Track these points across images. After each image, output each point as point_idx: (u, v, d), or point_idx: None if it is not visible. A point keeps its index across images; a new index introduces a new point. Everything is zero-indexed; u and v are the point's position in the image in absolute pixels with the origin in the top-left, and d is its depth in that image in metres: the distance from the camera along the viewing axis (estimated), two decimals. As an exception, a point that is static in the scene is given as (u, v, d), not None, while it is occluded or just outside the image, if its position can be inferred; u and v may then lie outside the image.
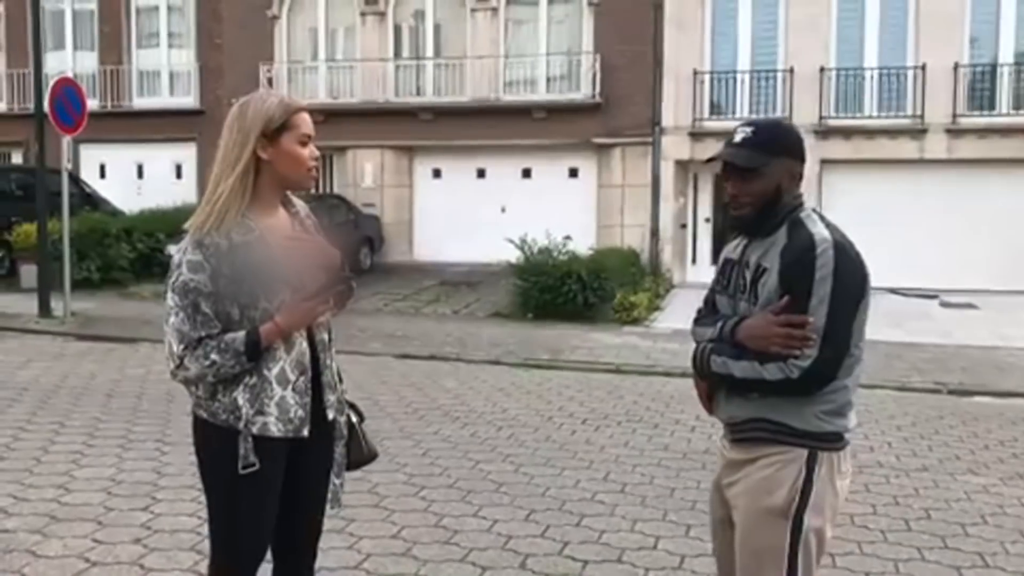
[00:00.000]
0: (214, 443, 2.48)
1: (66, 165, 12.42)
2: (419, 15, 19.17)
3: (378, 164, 19.06)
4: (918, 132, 16.47)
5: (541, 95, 18.29)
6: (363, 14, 19.04)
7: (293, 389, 2.46)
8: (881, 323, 12.79)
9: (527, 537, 4.56)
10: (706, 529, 4.71)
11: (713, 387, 2.52)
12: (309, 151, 2.49)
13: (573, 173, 18.42)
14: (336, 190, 19.10)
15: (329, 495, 2.65)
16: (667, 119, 17.35)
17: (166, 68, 20.53)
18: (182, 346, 2.41)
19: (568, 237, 13.79)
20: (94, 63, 20.40)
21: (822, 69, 16.63)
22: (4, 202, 15.33)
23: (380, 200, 19.01)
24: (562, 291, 12.53)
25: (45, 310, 11.96)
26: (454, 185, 18.83)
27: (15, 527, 4.51)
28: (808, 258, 2.30)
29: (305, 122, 2.48)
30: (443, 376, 8.96)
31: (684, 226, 17.91)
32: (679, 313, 13.55)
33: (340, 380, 2.68)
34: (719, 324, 2.47)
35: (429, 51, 19.09)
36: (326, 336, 2.58)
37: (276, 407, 2.44)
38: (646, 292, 14.04)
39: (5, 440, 6.07)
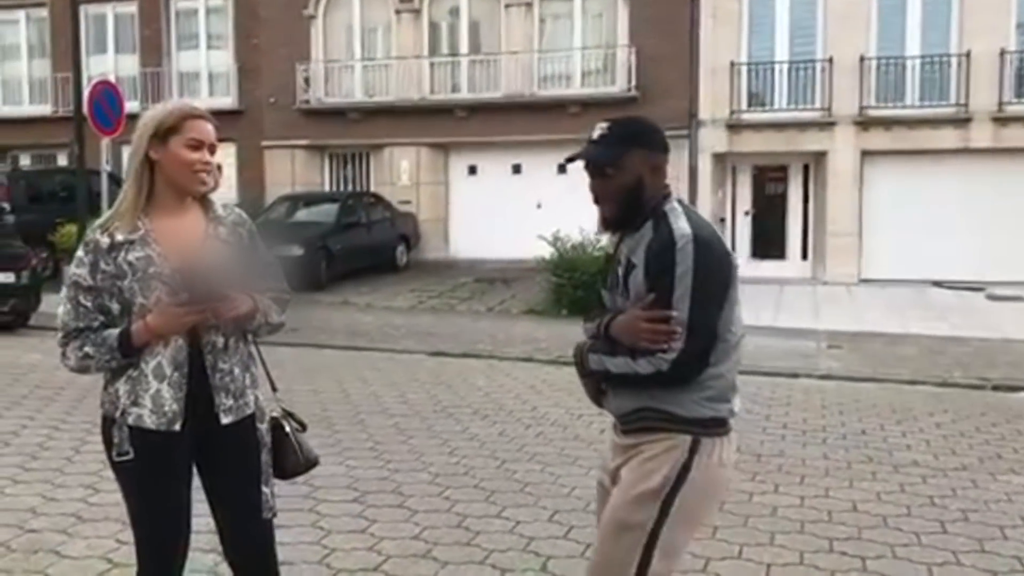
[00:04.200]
0: (103, 432, 2.61)
1: (105, 167, 12.60)
2: (454, 12, 19.16)
3: (414, 162, 19.09)
4: (962, 121, 16.09)
5: (576, 89, 18.18)
6: (398, 12, 19.07)
7: (169, 383, 2.52)
8: (924, 317, 12.65)
9: (549, 538, 4.50)
10: (734, 531, 4.65)
11: (599, 382, 2.56)
12: (199, 156, 2.54)
13: (609, 168, 18.26)
14: (373, 188, 19.17)
15: (263, 504, 2.66)
16: (704, 112, 17.15)
17: (205, 69, 20.75)
18: (62, 335, 2.56)
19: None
20: (135, 66, 20.68)
21: (862, 58, 16.32)
22: (48, 204, 15.60)
23: (416, 197, 19.05)
24: (596, 287, 12.37)
25: (86, 310, 12.13)
26: (489, 181, 18.80)
27: (42, 527, 4.56)
28: (668, 254, 2.34)
29: (197, 127, 2.54)
30: (475, 374, 8.92)
31: (723, 220, 17.67)
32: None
33: (274, 388, 2.77)
34: (596, 321, 2.53)
35: (464, 48, 19.08)
36: (222, 340, 2.58)
37: (151, 400, 2.51)
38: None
39: (39, 439, 6.15)
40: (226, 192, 19.64)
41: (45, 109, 20.83)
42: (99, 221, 2.58)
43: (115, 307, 2.51)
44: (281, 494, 5.08)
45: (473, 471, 5.62)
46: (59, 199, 15.78)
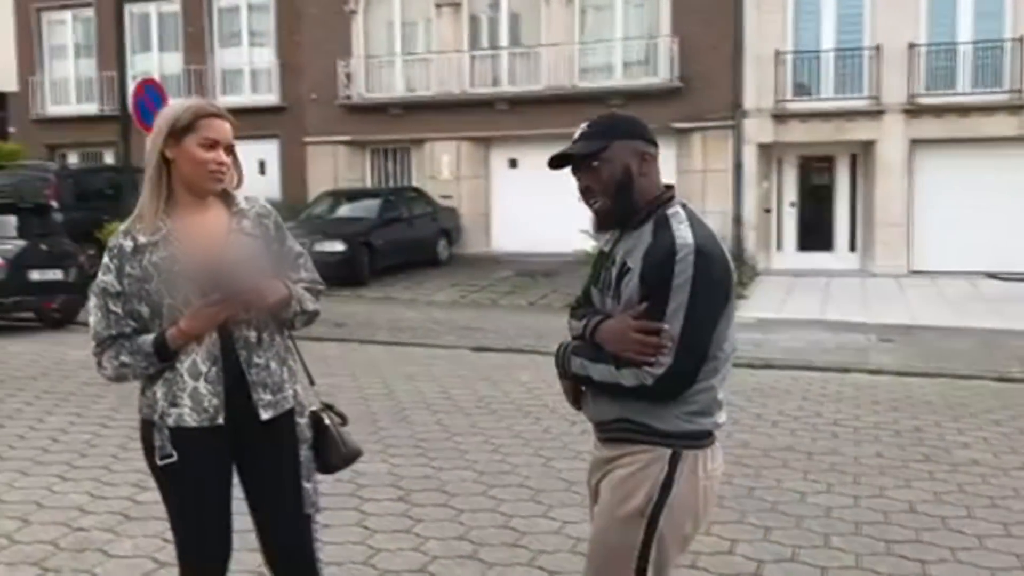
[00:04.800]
0: (143, 437, 2.58)
1: (151, 164, 12.70)
2: (494, 5, 19.08)
3: (455, 156, 19.05)
4: (1017, 108, 15.66)
5: (618, 81, 18.01)
6: (438, 6, 19.04)
7: (205, 380, 2.49)
8: (978, 309, 12.33)
9: (597, 539, 4.41)
10: (788, 532, 4.53)
11: (578, 385, 2.47)
12: (214, 155, 2.49)
13: (658, 159, 18.07)
14: (414, 183, 19.18)
15: (304, 499, 2.65)
16: (749, 101, 16.90)
17: (247, 66, 20.91)
18: (95, 345, 2.54)
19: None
20: (179, 64, 20.90)
21: (912, 45, 15.94)
22: (95, 201, 15.76)
23: (457, 192, 19.02)
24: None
25: (133, 306, 12.26)
26: (530, 175, 18.63)
27: (90, 525, 4.57)
28: (667, 264, 2.23)
29: (211, 126, 2.49)
30: (518, 369, 8.85)
31: (768, 211, 17.43)
32: (763, 302, 13.19)
33: (311, 381, 2.72)
34: (583, 320, 2.43)
35: (504, 40, 18.99)
36: (255, 334, 2.55)
37: (189, 398, 2.49)
38: (728, 280, 13.68)
39: (87, 436, 6.19)
40: (269, 188, 19.83)
41: (92, 108, 21.15)
42: (122, 225, 2.54)
43: (145, 311, 2.50)
44: (325, 492, 5.04)
45: (518, 469, 5.54)
46: (106, 197, 15.95)
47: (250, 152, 21.11)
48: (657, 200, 2.35)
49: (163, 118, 2.50)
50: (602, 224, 2.43)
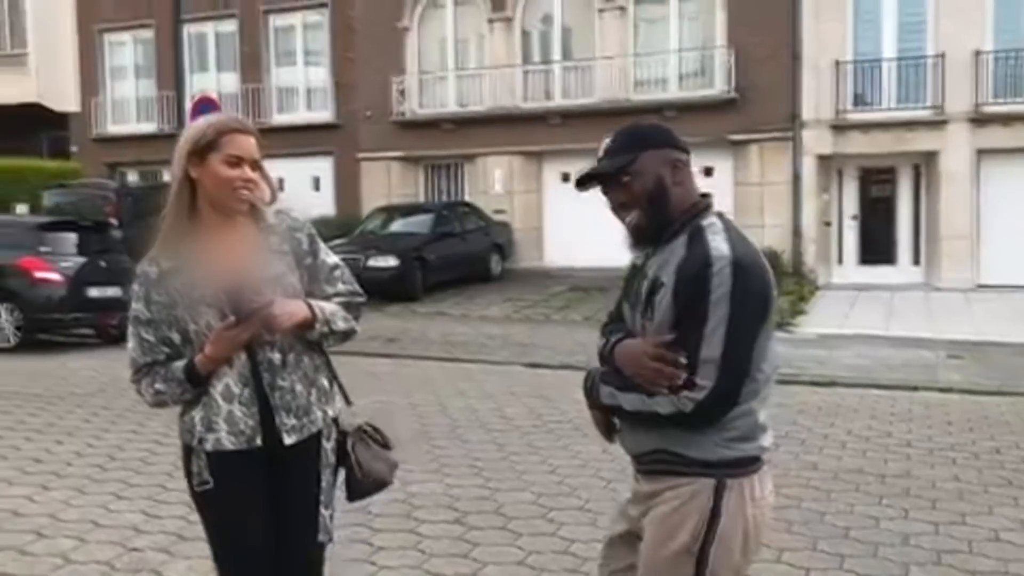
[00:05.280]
0: (184, 463, 2.54)
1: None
2: (547, 19, 19.01)
3: (507, 170, 18.99)
4: (1090, 115, 15.12)
5: (673, 93, 17.80)
6: (491, 21, 19.03)
7: (239, 402, 2.45)
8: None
9: (662, 567, 4.22)
10: (863, 561, 4.30)
11: (609, 416, 2.32)
12: (239, 172, 2.41)
13: (708, 172, 17.76)
14: (467, 198, 19.14)
15: (320, 527, 2.54)
16: (807, 112, 16.57)
17: (303, 84, 21.11)
18: (132, 372, 2.52)
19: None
20: (236, 83, 21.17)
21: (977, 53, 15.49)
22: (154, 218, 15.89)
23: (510, 206, 18.93)
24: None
25: (190, 322, 12.36)
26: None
27: (144, 546, 4.51)
28: (703, 277, 2.08)
29: (235, 143, 2.41)
30: (573, 387, 8.58)
31: (828, 224, 17.04)
32: (825, 317, 12.85)
33: (348, 402, 2.64)
34: (604, 341, 2.31)
35: (557, 54, 18.91)
36: (279, 356, 2.47)
37: (225, 422, 2.45)
38: (788, 295, 13.37)
39: (142, 454, 6.18)
40: (323, 204, 19.97)
41: (151, 127, 21.51)
42: (150, 252, 2.48)
43: (175, 337, 2.47)
44: (381, 512, 4.99)
45: (577, 491, 5.38)
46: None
47: (305, 169, 21.47)
48: (692, 210, 2.22)
49: (186, 137, 2.43)
50: (638, 240, 2.28)
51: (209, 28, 21.54)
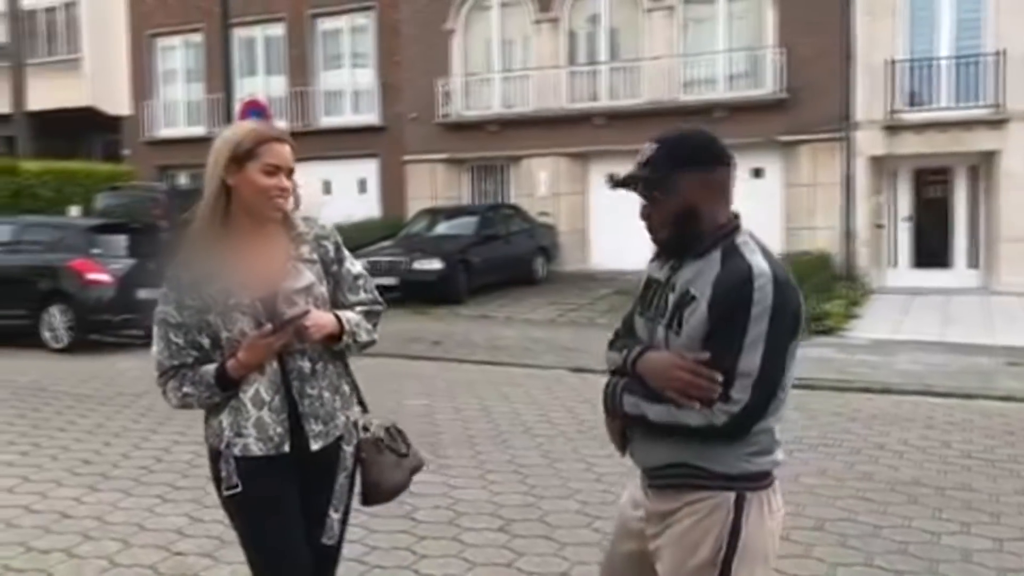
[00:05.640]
0: (212, 467, 2.54)
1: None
2: (593, 19, 18.89)
3: (552, 172, 18.89)
4: None
5: (721, 94, 17.57)
6: (537, 22, 18.96)
7: (269, 408, 2.46)
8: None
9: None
10: (922, 578, 4.14)
11: (626, 426, 2.28)
12: (276, 181, 2.44)
13: (757, 173, 17.54)
14: (512, 200, 19.08)
15: (325, 529, 2.58)
16: (859, 113, 16.24)
17: (349, 87, 21.23)
18: (159, 375, 2.52)
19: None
20: (284, 86, 21.37)
21: (1039, 49, 15.05)
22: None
23: (555, 208, 18.83)
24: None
25: (237, 323, 12.46)
26: (631, 192, 18.37)
27: (188, 550, 4.51)
28: (744, 292, 2.07)
29: (273, 152, 2.44)
30: (620, 391, 8.54)
31: (881, 226, 16.68)
32: (878, 322, 12.56)
33: (365, 408, 2.68)
34: (624, 352, 2.28)
35: (603, 55, 18.77)
36: (309, 365, 2.50)
37: (254, 427, 2.45)
38: (840, 299, 13.10)
39: (188, 456, 6.18)
40: (369, 207, 20.06)
41: (200, 130, 21.77)
42: (181, 256, 2.50)
43: (206, 341, 2.48)
44: (426, 520, 4.93)
45: (624, 500, 5.26)
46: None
47: (351, 171, 21.55)
48: (724, 228, 2.21)
49: (223, 144, 2.45)
50: (662, 253, 2.31)
51: (258, 32, 21.77)
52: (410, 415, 7.56)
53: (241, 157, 2.41)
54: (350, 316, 2.56)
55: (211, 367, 2.45)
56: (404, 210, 19.44)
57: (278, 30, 21.49)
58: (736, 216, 2.25)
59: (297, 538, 2.52)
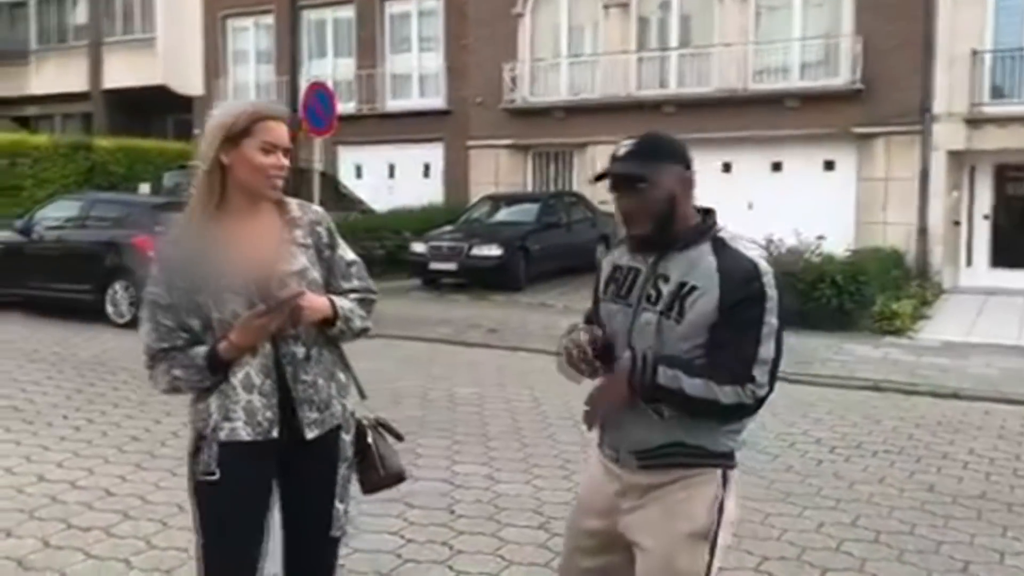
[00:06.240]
0: (193, 449, 2.46)
1: (317, 166, 12.98)
2: (664, 5, 18.53)
3: (618, 160, 18.60)
4: None
5: (794, 83, 17.07)
6: (606, 7, 18.66)
7: (260, 392, 2.40)
8: None
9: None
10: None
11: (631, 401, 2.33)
12: (273, 160, 2.39)
13: (829, 166, 17.05)
14: (575, 188, 18.86)
15: (334, 521, 2.53)
16: (939, 105, 15.61)
17: (416, 71, 21.21)
18: (147, 359, 2.45)
19: (821, 237, 12.66)
20: (352, 69, 21.46)
21: None
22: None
23: (619, 197, 18.55)
24: (813, 296, 11.47)
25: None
26: (697, 180, 17.98)
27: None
28: (756, 287, 2.24)
29: (270, 130, 2.39)
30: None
31: (958, 224, 16.06)
32: (950, 323, 12.08)
33: (363, 395, 2.63)
34: (576, 332, 2.42)
35: (674, 41, 18.40)
36: (303, 350, 2.44)
37: (243, 411, 2.39)
38: (911, 298, 12.64)
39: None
40: (433, 191, 20.04)
41: (270, 111, 22.00)
42: (172, 235, 2.48)
43: (195, 324, 2.41)
44: (465, 514, 4.83)
45: (670, 502, 5.09)
46: (280, 197, 16.50)
47: (416, 155, 21.55)
48: (699, 224, 2.36)
49: (218, 122, 2.39)
50: (638, 248, 2.41)
51: (328, 14, 21.89)
52: (460, 403, 7.49)
53: (236, 135, 2.36)
54: (344, 302, 2.50)
55: (201, 349, 2.39)
56: (467, 195, 19.37)
57: (348, 12, 21.57)
58: (708, 211, 2.40)
59: (258, 534, 2.45)
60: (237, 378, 2.39)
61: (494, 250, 14.58)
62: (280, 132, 2.41)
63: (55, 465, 5.54)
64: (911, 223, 15.92)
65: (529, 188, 19.55)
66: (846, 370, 9.17)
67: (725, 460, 2.34)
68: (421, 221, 16.97)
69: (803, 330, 11.25)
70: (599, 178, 2.39)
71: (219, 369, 2.38)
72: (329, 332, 2.48)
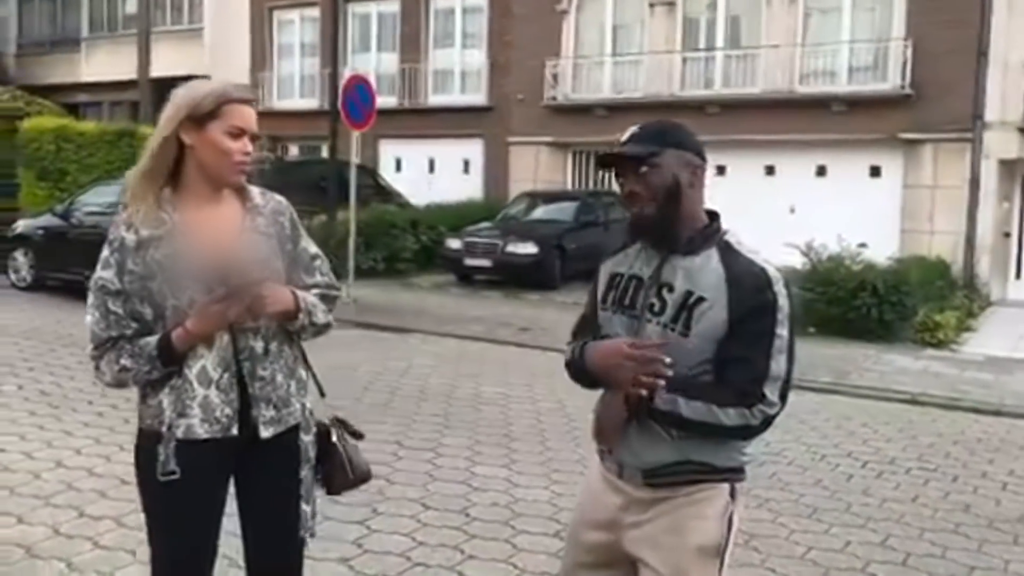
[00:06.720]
0: (143, 449, 2.33)
1: (355, 159, 12.96)
2: (711, 5, 18.26)
3: (658, 160, 18.39)
4: None
5: (841, 86, 16.73)
6: (652, 5, 18.46)
7: (217, 387, 2.27)
8: None
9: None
10: (1015, 632, 3.71)
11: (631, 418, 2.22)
12: (240, 145, 2.28)
13: (875, 172, 16.69)
14: (615, 187, 18.67)
15: (301, 522, 2.42)
16: (991, 113, 15.20)
17: (458, 66, 21.16)
18: (93, 347, 2.31)
19: (863, 244, 12.37)
20: (395, 63, 21.48)
21: None
22: (306, 193, 16.24)
23: (659, 198, 18.34)
24: (853, 304, 11.21)
25: (331, 296, 12.56)
26: (739, 183, 17.69)
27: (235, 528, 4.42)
28: (767, 298, 2.13)
29: (239, 113, 2.27)
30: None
31: (1008, 235, 15.64)
32: (996, 337, 11.74)
33: (322, 393, 2.55)
34: (572, 347, 2.37)
35: (720, 42, 18.14)
36: (262, 344, 2.32)
37: (199, 408, 2.26)
38: (955, 310, 12.29)
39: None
40: (472, 188, 19.99)
41: (313, 103, 22.13)
42: (121, 215, 2.30)
43: (147, 312, 2.27)
44: (480, 517, 4.73)
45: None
46: (317, 189, 16.53)
47: (455, 151, 21.54)
48: (711, 225, 2.25)
49: (182, 99, 2.26)
50: (638, 232, 2.29)
51: (372, 8, 21.93)
52: (485, 403, 7.39)
53: (202, 116, 2.24)
54: (306, 296, 2.39)
55: (153, 339, 2.24)
56: (506, 192, 19.28)
57: (393, 7, 21.59)
58: (714, 213, 2.28)
59: (214, 535, 2.37)
60: (192, 372, 2.26)
61: (529, 248, 14.48)
62: (249, 116, 2.30)
63: (74, 452, 5.54)
64: (958, 232, 15.52)
65: (568, 186, 19.41)
66: (884, 382, 8.93)
67: (734, 474, 2.25)
68: (458, 217, 16.91)
69: (841, 339, 11.03)
70: (602, 163, 2.29)
71: (171, 360, 2.24)
72: (290, 327, 2.36)
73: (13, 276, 13.25)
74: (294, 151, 23.10)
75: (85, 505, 4.64)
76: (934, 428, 7.24)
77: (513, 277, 14.49)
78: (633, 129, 2.29)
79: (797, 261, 12.15)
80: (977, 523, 5.01)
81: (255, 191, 2.42)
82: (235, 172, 2.31)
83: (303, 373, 2.46)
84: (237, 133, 2.27)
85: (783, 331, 2.12)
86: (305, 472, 2.43)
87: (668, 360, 2.08)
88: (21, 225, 13.47)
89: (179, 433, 2.26)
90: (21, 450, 5.52)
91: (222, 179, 2.31)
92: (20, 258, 13.17)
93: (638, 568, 2.27)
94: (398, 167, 21.49)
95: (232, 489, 2.44)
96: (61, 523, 4.39)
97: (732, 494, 2.24)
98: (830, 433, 6.90)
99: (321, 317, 2.42)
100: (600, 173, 19.47)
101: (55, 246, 12.49)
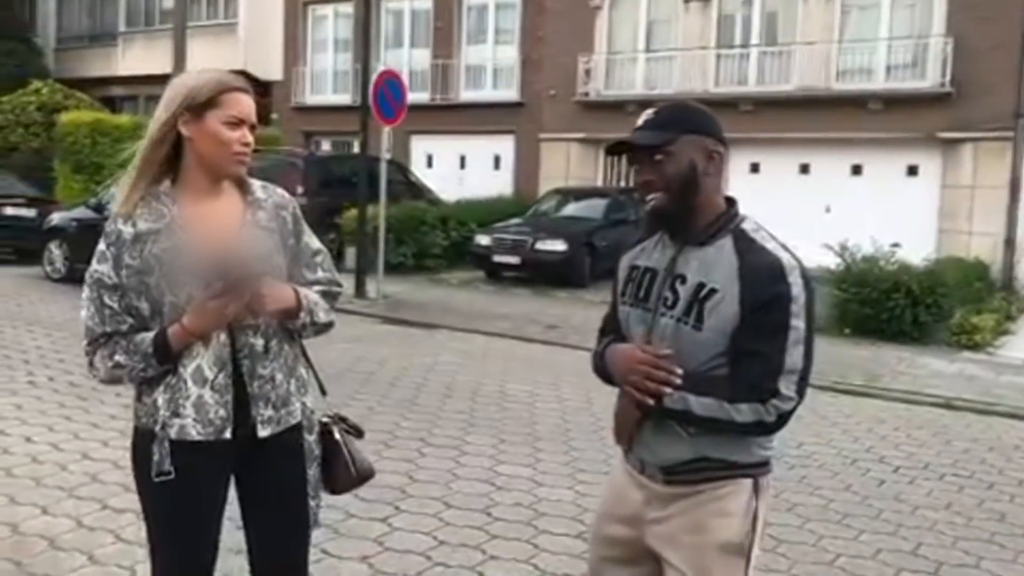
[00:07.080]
0: (139, 448, 2.26)
1: (385, 154, 12.95)
2: (747, 2, 18.07)
3: (691, 158, 18.24)
4: None
5: (879, 84, 16.49)
6: (687, 1, 18.30)
7: (212, 387, 2.20)
8: None
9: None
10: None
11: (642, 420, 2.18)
12: (239, 135, 2.22)
13: (912, 171, 16.43)
14: (647, 185, 18.57)
15: (309, 518, 2.39)
16: (1034, 111, 14.90)
17: (491, 62, 21.14)
18: (87, 343, 2.26)
19: (896, 244, 12.15)
20: (427, 59, 21.48)
21: None
22: (338, 188, 16.32)
23: (691, 196, 18.20)
24: (887, 306, 11.01)
25: (360, 291, 12.59)
26: (773, 181, 17.52)
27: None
28: (782, 289, 2.03)
29: (238, 102, 2.22)
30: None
31: (1048, 236, 15.32)
32: (1034, 341, 11.49)
33: (324, 392, 2.50)
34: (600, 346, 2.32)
35: (755, 38, 17.94)
36: (262, 342, 2.25)
37: (193, 408, 2.19)
38: (993, 313, 12.04)
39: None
40: (503, 184, 19.94)
41: (345, 98, 22.19)
42: (117, 207, 2.24)
43: (144, 307, 2.20)
44: (503, 517, 4.68)
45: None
46: (349, 184, 16.55)
47: (487, 147, 21.52)
48: (727, 212, 2.17)
49: (179, 88, 2.21)
50: (656, 223, 2.22)
51: (405, 4, 21.96)
52: (511, 401, 7.35)
53: (200, 106, 2.19)
54: (308, 293, 2.32)
55: (149, 335, 2.18)
56: (537, 188, 19.23)
57: (426, 3, 21.60)
58: (731, 200, 2.20)
59: (214, 535, 2.33)
60: (187, 371, 2.19)
61: (559, 245, 14.40)
62: (248, 105, 2.24)
63: (101, 444, 5.56)
64: (998, 233, 15.24)
65: (600, 183, 19.31)
66: (917, 384, 8.75)
67: (756, 469, 2.17)
68: (488, 213, 16.87)
69: (875, 340, 10.84)
70: (614, 150, 2.20)
71: (167, 358, 2.17)
72: (291, 325, 2.30)
73: (48, 268, 13.42)
74: (326, 146, 23.19)
75: (109, 498, 4.65)
76: (968, 433, 7.08)
77: (542, 274, 14.42)
78: (648, 113, 2.19)
79: (832, 261, 11.98)
80: (1013, 532, 4.88)
81: (256, 184, 2.36)
82: (234, 163, 2.24)
83: (303, 371, 2.41)
84: (236, 123, 2.22)
85: (799, 323, 2.03)
86: (312, 470, 2.40)
87: (679, 370, 2.04)
88: (56, 218, 13.63)
89: (172, 433, 2.20)
90: (48, 441, 5.57)
91: (221, 170, 2.25)
92: (55, 250, 13.34)
93: (662, 565, 2.22)
94: (429, 163, 21.50)
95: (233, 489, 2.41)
96: (84, 515, 4.41)
97: (756, 489, 2.16)
98: (861, 436, 6.78)
99: (322, 316, 2.36)
100: (632, 169, 19.35)
101: (88, 238, 12.57)
